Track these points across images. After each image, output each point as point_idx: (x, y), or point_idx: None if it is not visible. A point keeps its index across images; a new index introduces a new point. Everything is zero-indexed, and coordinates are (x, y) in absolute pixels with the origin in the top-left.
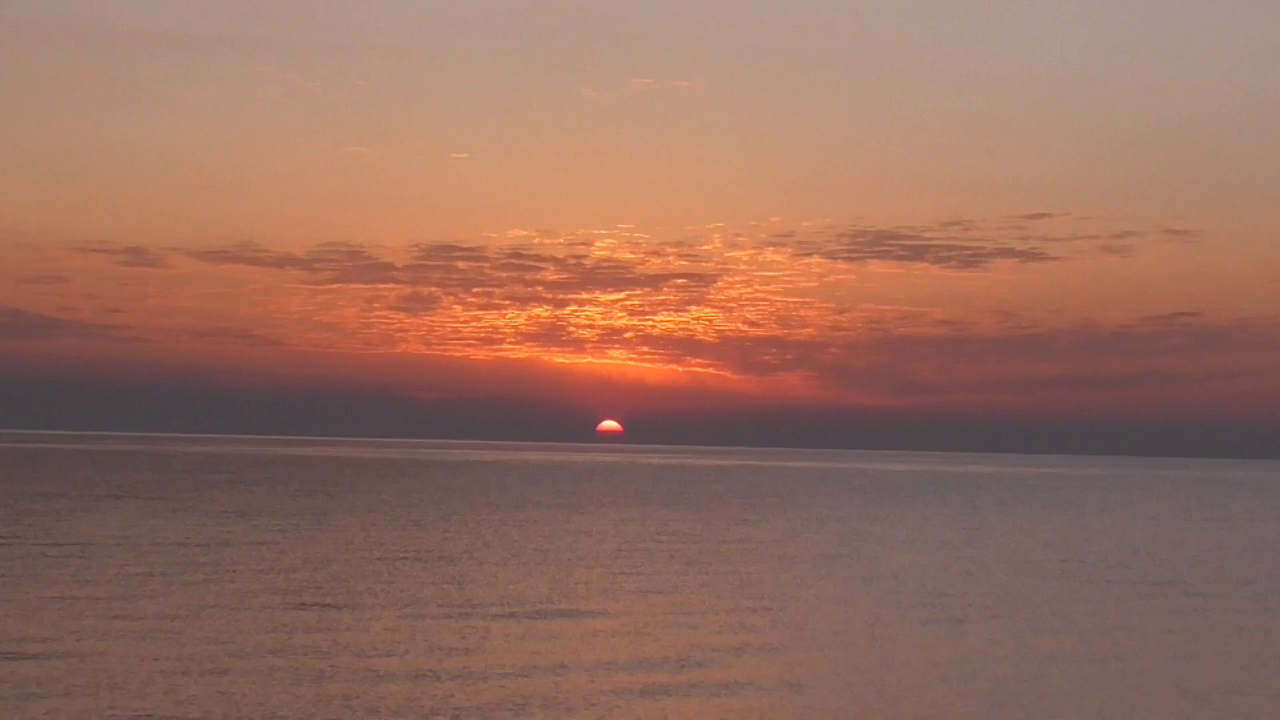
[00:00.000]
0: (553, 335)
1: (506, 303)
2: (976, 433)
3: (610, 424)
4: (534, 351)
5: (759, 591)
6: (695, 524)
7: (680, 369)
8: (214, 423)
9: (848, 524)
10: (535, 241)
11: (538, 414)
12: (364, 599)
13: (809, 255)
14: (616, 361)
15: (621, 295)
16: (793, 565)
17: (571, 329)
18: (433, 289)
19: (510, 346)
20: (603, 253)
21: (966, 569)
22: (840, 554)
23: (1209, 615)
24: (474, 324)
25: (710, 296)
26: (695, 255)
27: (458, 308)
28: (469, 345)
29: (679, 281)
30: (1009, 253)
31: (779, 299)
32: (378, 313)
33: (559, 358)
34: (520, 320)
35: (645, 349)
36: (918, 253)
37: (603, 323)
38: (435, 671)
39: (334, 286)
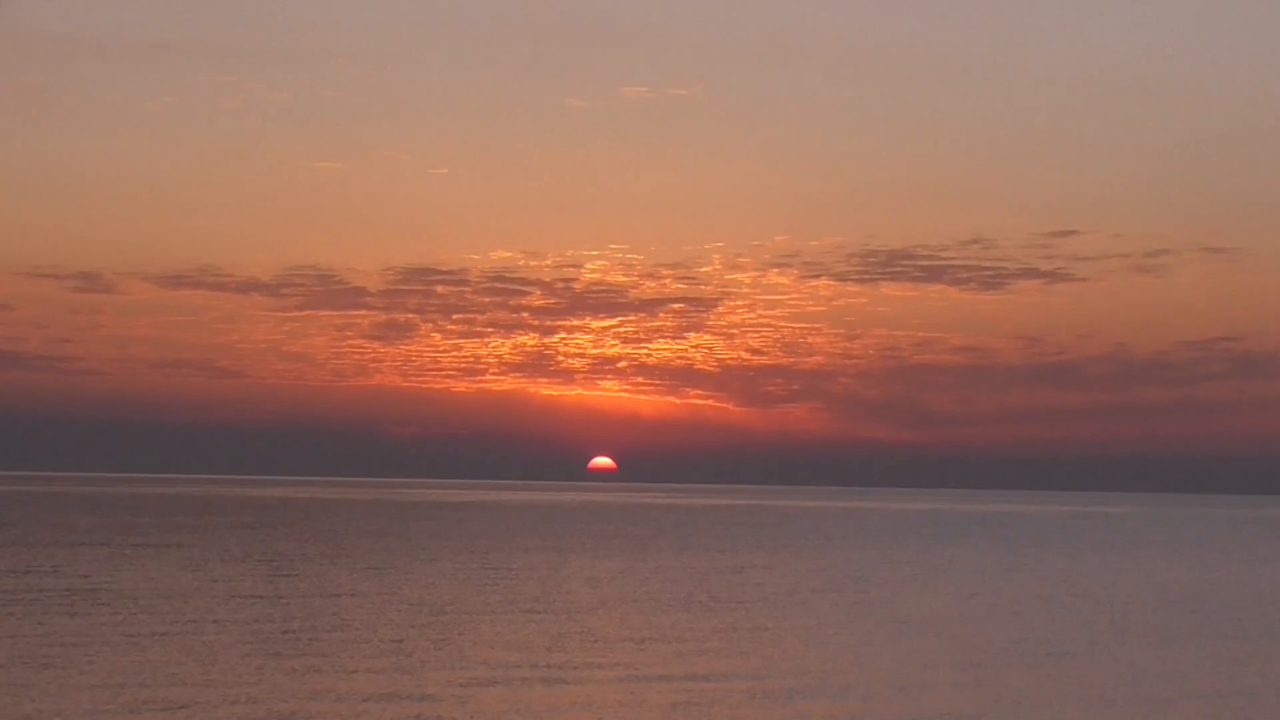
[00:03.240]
0: (540, 365)
1: (489, 330)
2: (1000, 468)
3: (602, 460)
4: (519, 383)
5: (770, 641)
6: (697, 569)
7: (678, 401)
8: (173, 462)
9: (862, 568)
10: (520, 264)
11: (524, 450)
12: (344, 653)
13: (817, 277)
14: (609, 393)
15: (614, 321)
16: (805, 613)
17: (560, 358)
18: (410, 315)
19: (494, 377)
20: (593, 275)
21: (994, 617)
22: (856, 601)
23: (1264, 665)
24: (454, 353)
25: (710, 322)
26: (693, 278)
27: (437, 336)
28: (449, 376)
29: (676, 306)
30: (1033, 273)
31: (784, 325)
32: (350, 342)
33: (547, 389)
34: (505, 349)
35: (640, 379)
36: (934, 274)
37: (594, 351)
38: None
39: (303, 314)
